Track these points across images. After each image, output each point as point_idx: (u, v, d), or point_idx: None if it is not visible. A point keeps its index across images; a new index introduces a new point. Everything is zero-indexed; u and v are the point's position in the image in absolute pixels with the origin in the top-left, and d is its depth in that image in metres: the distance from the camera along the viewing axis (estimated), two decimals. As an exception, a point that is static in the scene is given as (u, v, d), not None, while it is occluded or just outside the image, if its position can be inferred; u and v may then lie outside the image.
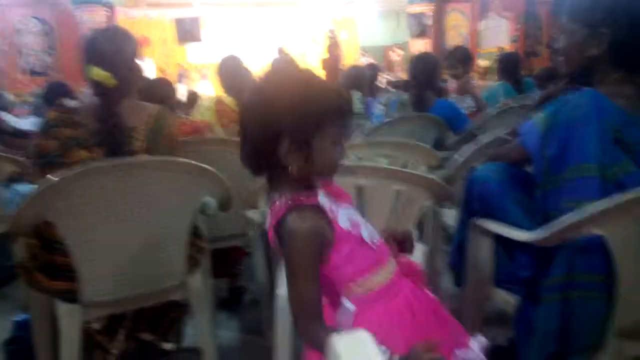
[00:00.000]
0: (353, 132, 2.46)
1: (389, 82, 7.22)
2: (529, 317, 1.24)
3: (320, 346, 0.80)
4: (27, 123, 3.96)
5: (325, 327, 0.85)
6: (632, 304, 1.10)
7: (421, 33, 10.04)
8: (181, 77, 10.45)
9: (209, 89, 9.54)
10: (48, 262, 1.42)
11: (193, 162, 1.47)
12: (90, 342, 1.53)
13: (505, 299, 1.39)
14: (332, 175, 0.93)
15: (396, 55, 11.37)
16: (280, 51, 9.88)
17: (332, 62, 9.25)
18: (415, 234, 1.52)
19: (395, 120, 2.63)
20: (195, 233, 1.60)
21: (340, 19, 11.70)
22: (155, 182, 1.42)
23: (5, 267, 2.33)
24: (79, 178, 1.32)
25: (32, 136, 3.28)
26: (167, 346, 1.67)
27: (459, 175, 1.74)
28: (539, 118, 1.29)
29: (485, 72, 8.63)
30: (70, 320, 1.40)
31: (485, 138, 1.81)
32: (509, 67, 3.79)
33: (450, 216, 1.75)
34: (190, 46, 10.47)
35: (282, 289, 1.29)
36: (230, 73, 2.70)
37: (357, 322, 0.89)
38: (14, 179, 2.47)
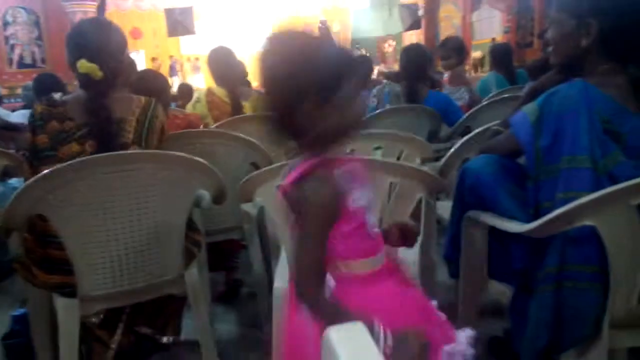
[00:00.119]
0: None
1: (381, 73, 7.21)
2: (524, 308, 1.25)
3: (316, 310, 0.83)
4: (18, 115, 3.93)
5: (324, 294, 0.87)
6: (625, 294, 1.12)
7: (414, 24, 10.02)
8: (173, 69, 10.34)
9: (201, 82, 9.47)
10: (43, 256, 1.43)
11: (185, 155, 1.47)
12: (89, 336, 1.54)
13: (500, 290, 1.41)
14: (359, 127, 0.93)
15: (389, 47, 11.35)
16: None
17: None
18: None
19: (388, 111, 2.62)
20: (191, 226, 1.60)
21: (331, 9, 11.63)
22: (148, 175, 1.42)
23: (3, 262, 2.33)
24: (71, 171, 1.32)
25: (23, 129, 3.26)
26: (165, 339, 1.68)
27: (452, 167, 1.76)
28: (529, 109, 1.30)
29: (479, 63, 8.65)
30: (68, 315, 1.40)
31: (478, 130, 1.82)
32: (501, 57, 3.78)
33: (445, 208, 1.77)
34: (184, 37, 10.37)
35: (279, 282, 1.30)
36: (221, 64, 2.69)
37: (337, 297, 0.91)
38: (7, 172, 2.46)
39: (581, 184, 1.16)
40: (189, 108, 2.77)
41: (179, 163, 1.46)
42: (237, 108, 2.60)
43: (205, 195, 1.52)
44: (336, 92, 0.85)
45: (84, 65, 1.48)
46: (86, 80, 1.51)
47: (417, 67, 2.80)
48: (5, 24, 8.57)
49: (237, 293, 2.36)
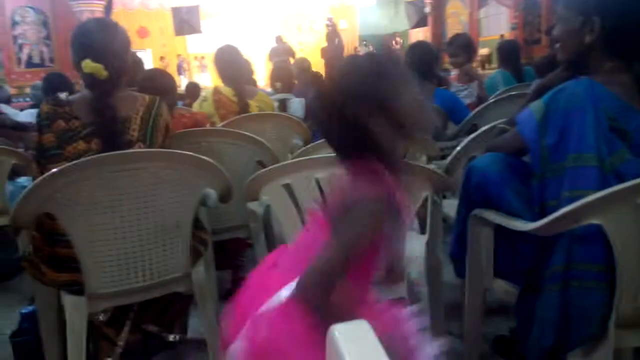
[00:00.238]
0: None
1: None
2: (530, 307, 1.25)
3: (316, 310, 0.82)
4: (26, 114, 3.96)
5: (328, 301, 0.86)
6: (632, 294, 1.11)
7: (420, 21, 9.98)
8: (181, 68, 10.37)
9: (208, 81, 9.49)
10: (51, 254, 1.44)
11: (192, 154, 1.48)
12: (97, 334, 1.55)
13: (506, 289, 1.41)
14: (423, 128, 0.94)
15: (397, 44, 11.32)
16: (279, 40, 9.85)
17: (331, 51, 9.20)
18: (415, 224, 1.53)
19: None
20: (198, 225, 1.61)
21: (338, 7, 11.61)
22: (154, 174, 1.43)
23: (12, 260, 2.35)
24: (77, 170, 1.33)
25: (31, 128, 3.29)
26: (172, 337, 1.69)
27: (458, 165, 1.75)
28: (535, 106, 1.29)
29: (486, 60, 8.60)
30: (76, 312, 1.42)
31: (484, 128, 1.82)
32: (508, 55, 3.74)
33: (451, 206, 1.76)
34: (190, 36, 10.40)
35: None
36: (227, 62, 2.68)
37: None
38: (16, 171, 2.49)
39: (587, 182, 1.15)
40: (195, 107, 2.78)
41: (185, 162, 1.47)
42: (243, 107, 2.60)
43: (212, 193, 1.53)
44: (395, 103, 0.87)
45: (88, 65, 1.49)
46: (91, 80, 1.52)
47: (423, 65, 2.78)
48: (14, 24, 8.62)
49: (243, 291, 2.36)
